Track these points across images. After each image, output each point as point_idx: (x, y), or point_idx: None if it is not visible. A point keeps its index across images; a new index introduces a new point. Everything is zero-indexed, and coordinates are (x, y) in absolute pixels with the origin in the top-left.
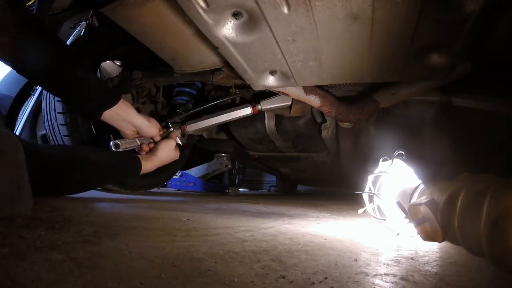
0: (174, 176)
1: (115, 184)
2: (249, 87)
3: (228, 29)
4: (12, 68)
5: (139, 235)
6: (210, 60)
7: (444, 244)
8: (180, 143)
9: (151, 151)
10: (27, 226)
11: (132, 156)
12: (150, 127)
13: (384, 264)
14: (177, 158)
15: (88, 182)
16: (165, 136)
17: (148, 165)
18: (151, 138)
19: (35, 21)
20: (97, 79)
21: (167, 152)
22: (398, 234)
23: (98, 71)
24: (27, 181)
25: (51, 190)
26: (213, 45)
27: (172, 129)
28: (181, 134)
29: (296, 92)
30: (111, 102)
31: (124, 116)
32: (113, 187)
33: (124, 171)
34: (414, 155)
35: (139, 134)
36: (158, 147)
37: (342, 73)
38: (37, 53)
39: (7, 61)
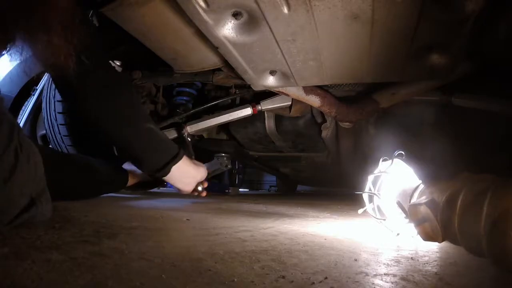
0: None
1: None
2: (249, 87)
3: (228, 29)
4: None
5: (139, 235)
6: (210, 60)
7: (444, 244)
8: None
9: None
10: (27, 226)
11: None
12: (205, 171)
13: (384, 264)
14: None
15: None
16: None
17: (133, 180)
18: None
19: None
20: (162, 132)
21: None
22: (398, 234)
23: None
24: (44, 189)
25: (71, 195)
26: (213, 45)
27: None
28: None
29: (296, 92)
30: (179, 156)
31: (191, 171)
32: None
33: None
34: (414, 155)
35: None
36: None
37: (342, 73)
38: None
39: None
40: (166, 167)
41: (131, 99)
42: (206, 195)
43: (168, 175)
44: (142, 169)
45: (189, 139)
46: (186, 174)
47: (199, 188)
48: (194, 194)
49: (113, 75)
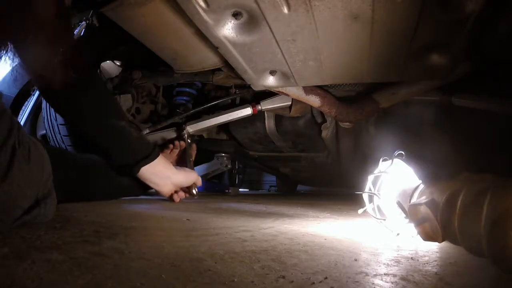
0: None
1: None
2: (249, 87)
3: (228, 29)
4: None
5: (139, 235)
6: (210, 60)
7: (444, 244)
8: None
9: None
10: (27, 226)
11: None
12: (190, 177)
13: (384, 264)
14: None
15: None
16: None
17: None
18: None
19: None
20: (137, 132)
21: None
22: (398, 234)
23: (98, 71)
24: (51, 190)
25: (82, 196)
26: (213, 45)
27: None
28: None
29: (296, 92)
30: (152, 156)
31: (164, 172)
32: None
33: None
34: (414, 155)
35: (178, 189)
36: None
37: (342, 73)
38: (84, 100)
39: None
40: (134, 167)
41: (98, 97)
42: (196, 196)
43: (139, 175)
44: (111, 165)
45: (189, 141)
46: (159, 175)
47: (194, 191)
48: (179, 198)
49: (82, 73)
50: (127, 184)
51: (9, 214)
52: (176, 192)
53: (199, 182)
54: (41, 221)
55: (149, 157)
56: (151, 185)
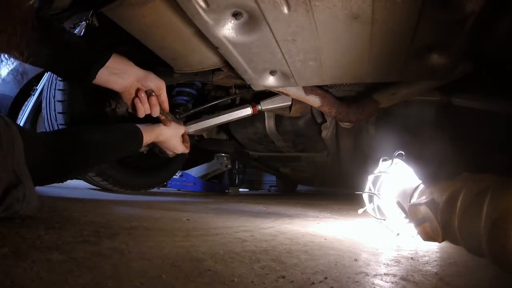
0: (174, 176)
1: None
2: (249, 87)
3: (228, 29)
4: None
5: (139, 235)
6: (210, 60)
7: (444, 244)
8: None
9: (154, 124)
10: (27, 226)
11: (134, 129)
12: (157, 78)
13: (384, 264)
14: (184, 152)
15: (88, 162)
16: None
17: (149, 137)
18: (157, 95)
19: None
20: (81, 40)
21: (171, 134)
22: (398, 234)
23: None
24: (24, 170)
25: (53, 176)
26: (213, 45)
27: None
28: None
29: (296, 92)
30: (104, 57)
31: (122, 68)
32: (113, 187)
33: (126, 144)
34: (414, 155)
35: (143, 87)
36: (165, 124)
37: (342, 73)
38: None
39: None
40: (90, 73)
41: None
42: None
43: (98, 81)
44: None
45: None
46: (117, 72)
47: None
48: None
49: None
50: (129, 137)
51: None
52: (142, 94)
53: (163, 92)
54: (31, 199)
55: (102, 59)
56: (112, 86)
